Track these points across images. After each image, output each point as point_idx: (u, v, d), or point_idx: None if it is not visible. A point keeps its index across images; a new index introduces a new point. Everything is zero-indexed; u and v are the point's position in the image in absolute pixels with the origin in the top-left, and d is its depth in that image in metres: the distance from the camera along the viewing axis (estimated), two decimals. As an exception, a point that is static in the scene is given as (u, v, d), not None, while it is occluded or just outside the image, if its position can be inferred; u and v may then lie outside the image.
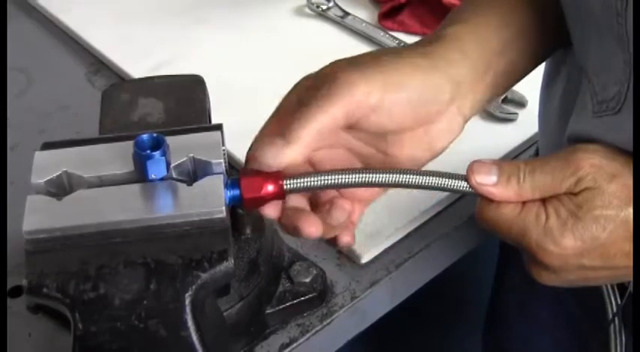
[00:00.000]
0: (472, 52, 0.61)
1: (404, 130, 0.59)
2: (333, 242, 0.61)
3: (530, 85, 0.82)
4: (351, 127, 0.58)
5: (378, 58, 0.60)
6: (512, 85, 0.65)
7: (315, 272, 0.76)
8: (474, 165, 0.58)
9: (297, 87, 0.61)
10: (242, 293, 0.72)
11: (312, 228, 0.57)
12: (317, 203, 0.61)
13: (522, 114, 0.92)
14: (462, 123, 0.62)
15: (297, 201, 0.60)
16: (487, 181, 0.57)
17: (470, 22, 0.62)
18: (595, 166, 0.56)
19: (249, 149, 0.58)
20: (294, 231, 0.58)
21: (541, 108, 0.80)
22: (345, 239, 0.61)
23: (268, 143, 0.56)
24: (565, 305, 0.85)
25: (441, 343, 1.41)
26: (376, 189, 0.63)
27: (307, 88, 0.59)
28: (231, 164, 0.84)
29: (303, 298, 0.75)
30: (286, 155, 0.56)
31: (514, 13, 0.64)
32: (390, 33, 1.02)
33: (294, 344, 0.75)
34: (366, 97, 0.57)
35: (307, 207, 0.60)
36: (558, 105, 0.74)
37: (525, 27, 0.63)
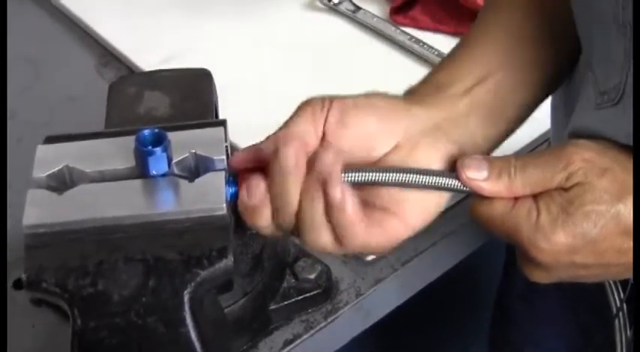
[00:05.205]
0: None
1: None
2: None
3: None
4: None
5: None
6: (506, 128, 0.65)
7: (320, 268, 0.76)
8: (464, 161, 0.57)
9: None
10: (246, 289, 0.71)
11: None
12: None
13: (533, 111, 0.91)
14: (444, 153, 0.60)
15: None
16: (478, 176, 0.57)
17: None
18: (586, 161, 0.55)
19: None
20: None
21: (553, 105, 0.79)
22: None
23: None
24: (570, 300, 0.85)
25: (447, 340, 1.41)
26: (427, 214, 0.60)
27: None
28: (238, 158, 0.84)
29: (307, 294, 0.75)
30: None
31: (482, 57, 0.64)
32: (402, 28, 1.01)
33: (298, 341, 0.74)
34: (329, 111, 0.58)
35: None
36: (566, 101, 0.73)
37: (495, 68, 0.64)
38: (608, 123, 0.58)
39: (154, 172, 0.57)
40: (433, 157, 0.59)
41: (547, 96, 0.69)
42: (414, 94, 0.62)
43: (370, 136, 0.58)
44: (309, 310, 0.76)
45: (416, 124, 0.59)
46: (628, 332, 0.71)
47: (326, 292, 0.76)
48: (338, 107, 0.58)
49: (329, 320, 0.76)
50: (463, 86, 0.62)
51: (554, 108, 0.78)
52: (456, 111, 0.61)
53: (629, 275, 0.59)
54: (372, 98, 0.60)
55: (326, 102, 0.58)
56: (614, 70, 0.57)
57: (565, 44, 0.66)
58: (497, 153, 0.64)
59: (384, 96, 0.60)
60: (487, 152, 0.63)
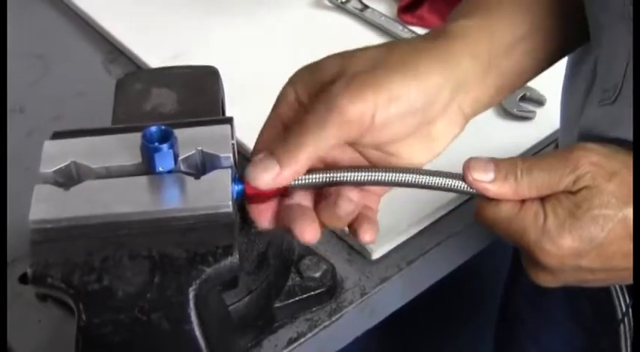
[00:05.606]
0: (477, 50, 0.59)
1: (402, 138, 0.58)
2: (354, 234, 0.60)
3: (549, 84, 0.81)
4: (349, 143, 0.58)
5: (373, 62, 0.58)
6: (519, 86, 0.64)
7: (325, 267, 0.76)
8: (470, 162, 0.57)
9: (294, 84, 0.60)
10: (251, 287, 0.71)
11: (306, 233, 0.56)
12: (324, 195, 0.59)
13: (540, 112, 0.91)
14: (462, 122, 0.60)
15: (300, 198, 0.59)
16: (484, 178, 0.56)
17: (479, 17, 0.61)
18: (594, 164, 0.55)
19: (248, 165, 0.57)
20: (290, 234, 0.57)
21: (563, 105, 0.79)
22: (366, 236, 0.59)
23: (262, 168, 0.55)
24: (577, 304, 0.85)
25: (451, 340, 1.41)
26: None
27: (303, 90, 0.59)
28: (245, 156, 0.84)
29: (312, 293, 0.75)
30: (280, 179, 0.55)
31: (528, 10, 0.62)
32: (409, 27, 1.01)
33: (302, 339, 0.74)
34: (359, 119, 0.55)
35: (309, 205, 0.59)
36: (579, 102, 0.73)
37: (538, 26, 0.62)
38: (609, 121, 0.58)
39: (160, 169, 0.57)
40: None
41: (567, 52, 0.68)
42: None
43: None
44: (314, 308, 0.76)
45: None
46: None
47: (330, 291, 0.76)
48: None
49: (333, 318, 0.76)
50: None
51: (566, 110, 0.78)
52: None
53: (635, 279, 0.59)
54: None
55: None
56: (617, 68, 0.57)
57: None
58: (503, 155, 0.64)
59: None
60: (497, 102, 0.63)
